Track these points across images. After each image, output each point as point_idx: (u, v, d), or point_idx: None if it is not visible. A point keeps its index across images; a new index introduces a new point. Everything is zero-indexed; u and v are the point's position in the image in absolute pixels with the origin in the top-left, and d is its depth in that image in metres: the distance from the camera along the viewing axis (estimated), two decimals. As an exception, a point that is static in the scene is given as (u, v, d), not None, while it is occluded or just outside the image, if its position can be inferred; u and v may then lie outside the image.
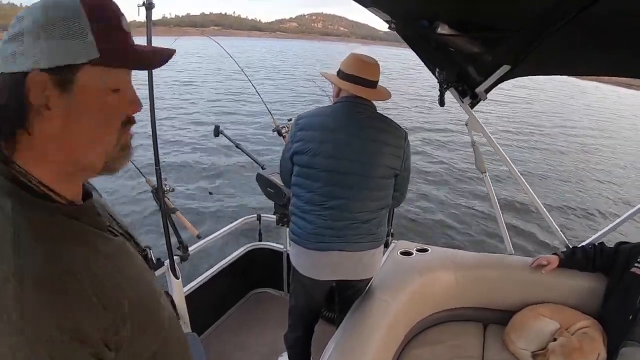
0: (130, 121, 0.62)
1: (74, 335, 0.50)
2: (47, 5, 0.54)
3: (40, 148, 0.56)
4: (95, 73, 0.55)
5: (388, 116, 1.73)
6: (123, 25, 0.58)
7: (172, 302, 0.79)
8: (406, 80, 26.03)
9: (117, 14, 0.58)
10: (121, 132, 0.61)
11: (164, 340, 0.68)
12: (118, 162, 0.62)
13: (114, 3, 0.58)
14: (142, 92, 0.72)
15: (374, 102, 1.71)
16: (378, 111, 1.72)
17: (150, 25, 1.68)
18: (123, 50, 0.58)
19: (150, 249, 0.78)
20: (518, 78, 1.92)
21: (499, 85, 1.94)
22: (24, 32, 0.53)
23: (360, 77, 1.64)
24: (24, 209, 0.53)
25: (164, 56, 0.61)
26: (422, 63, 1.95)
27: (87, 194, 0.66)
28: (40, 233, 0.53)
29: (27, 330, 0.47)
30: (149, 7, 1.64)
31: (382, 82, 1.74)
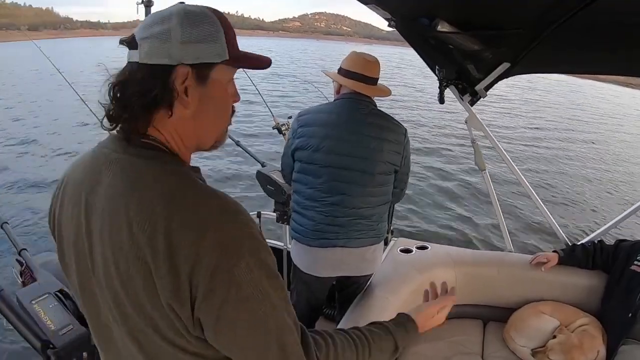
0: (233, 111, 0.76)
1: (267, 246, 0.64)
2: (187, 14, 0.65)
3: (172, 126, 0.68)
4: (224, 70, 0.69)
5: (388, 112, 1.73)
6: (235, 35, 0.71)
7: None
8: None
9: (230, 25, 0.70)
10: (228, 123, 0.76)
11: None
12: (220, 142, 0.77)
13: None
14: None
15: (375, 99, 1.72)
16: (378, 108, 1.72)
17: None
18: (242, 55, 0.71)
19: None
20: (515, 77, 1.92)
21: (497, 85, 1.94)
22: (169, 33, 0.63)
23: (361, 74, 1.66)
24: (182, 170, 0.68)
25: (266, 61, 0.74)
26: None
27: None
28: (203, 187, 0.66)
29: (248, 250, 0.61)
30: (148, 4, 1.64)
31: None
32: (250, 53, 0.73)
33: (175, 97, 0.65)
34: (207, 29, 0.65)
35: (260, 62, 0.74)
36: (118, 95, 0.65)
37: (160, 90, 0.64)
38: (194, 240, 0.57)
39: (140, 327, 0.64)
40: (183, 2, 0.69)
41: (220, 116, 0.73)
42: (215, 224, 0.59)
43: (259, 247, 0.62)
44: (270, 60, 0.75)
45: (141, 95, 0.64)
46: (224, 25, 0.67)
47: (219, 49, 0.66)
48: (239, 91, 0.76)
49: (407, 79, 25.64)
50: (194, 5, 0.67)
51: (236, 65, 0.70)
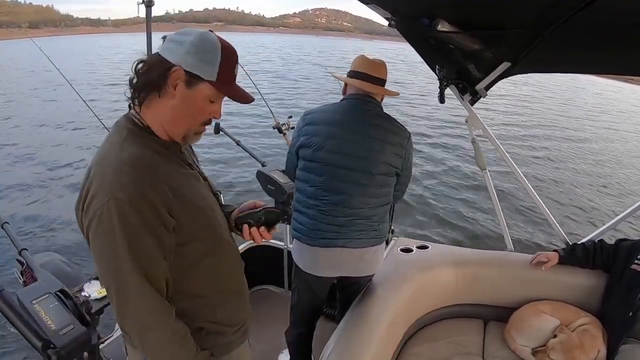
0: (209, 122, 0.99)
1: (150, 203, 0.86)
2: (203, 37, 0.90)
3: (158, 109, 0.94)
4: (208, 88, 0.92)
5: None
6: (234, 71, 0.96)
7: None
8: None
9: (234, 61, 0.95)
10: (199, 125, 0.98)
11: (217, 247, 1.03)
12: (190, 139, 1.00)
13: (236, 53, 0.95)
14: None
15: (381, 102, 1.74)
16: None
17: (149, 22, 1.69)
18: (228, 85, 0.95)
19: (220, 193, 1.15)
20: (517, 75, 1.92)
21: (497, 83, 1.94)
22: (184, 43, 0.90)
23: (368, 74, 1.67)
24: (133, 135, 0.92)
25: (247, 98, 0.97)
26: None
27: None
28: (138, 145, 0.91)
29: (121, 194, 0.83)
30: (148, 4, 1.65)
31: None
32: (237, 88, 0.97)
33: (166, 86, 0.90)
34: (210, 54, 0.90)
35: (238, 97, 0.96)
36: (138, 67, 0.93)
37: (158, 75, 0.90)
38: (91, 183, 0.87)
39: None
40: (212, 31, 0.93)
41: (192, 116, 0.95)
42: (110, 182, 0.84)
43: (129, 210, 0.83)
44: (249, 100, 0.97)
45: (147, 71, 0.92)
46: (225, 60, 0.92)
47: (212, 71, 0.91)
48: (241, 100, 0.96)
49: (404, 75, 25.59)
50: (213, 34, 0.92)
51: (218, 89, 0.92)
